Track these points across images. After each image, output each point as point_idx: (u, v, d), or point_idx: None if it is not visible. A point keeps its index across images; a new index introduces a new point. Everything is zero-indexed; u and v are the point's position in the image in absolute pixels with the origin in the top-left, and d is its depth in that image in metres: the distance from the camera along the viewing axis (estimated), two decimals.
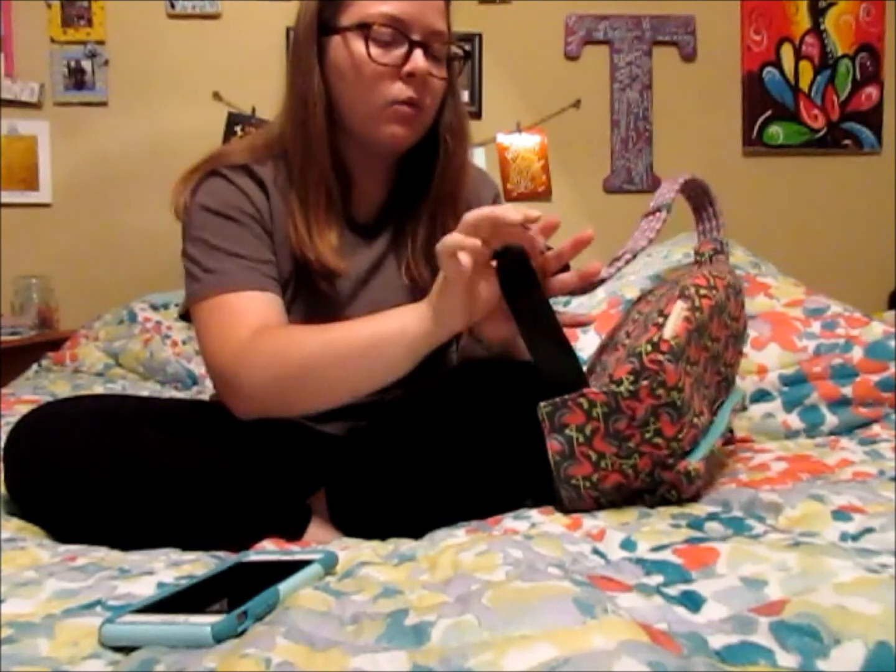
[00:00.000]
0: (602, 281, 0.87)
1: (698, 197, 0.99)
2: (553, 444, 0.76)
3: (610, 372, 0.76)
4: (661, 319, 0.76)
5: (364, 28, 0.93)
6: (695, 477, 0.77)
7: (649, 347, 0.74)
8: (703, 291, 0.80)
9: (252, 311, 0.90)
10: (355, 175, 1.02)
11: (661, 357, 0.73)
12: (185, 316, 0.99)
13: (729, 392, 0.94)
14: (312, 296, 0.99)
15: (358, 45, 0.93)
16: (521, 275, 0.79)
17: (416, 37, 0.94)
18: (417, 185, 1.03)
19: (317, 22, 0.96)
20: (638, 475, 0.77)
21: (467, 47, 1.06)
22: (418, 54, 0.93)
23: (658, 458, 0.76)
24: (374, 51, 0.93)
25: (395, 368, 0.83)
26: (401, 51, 0.94)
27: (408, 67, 0.93)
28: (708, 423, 0.84)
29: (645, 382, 0.73)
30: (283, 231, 0.97)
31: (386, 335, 0.82)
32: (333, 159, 0.97)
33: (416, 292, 0.98)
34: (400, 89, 0.94)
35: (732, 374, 0.95)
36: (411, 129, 0.97)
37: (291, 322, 0.95)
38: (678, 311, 0.76)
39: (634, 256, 0.87)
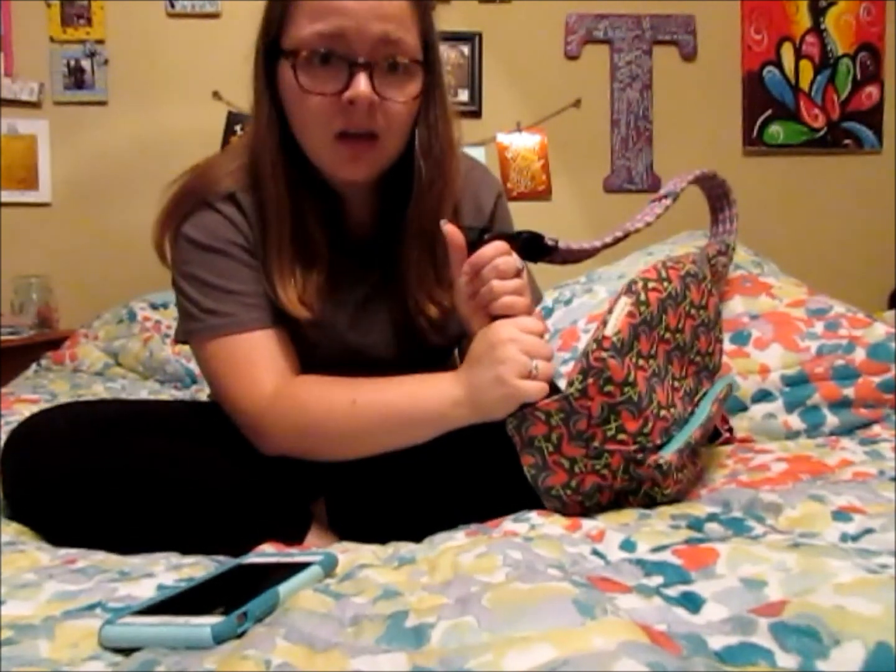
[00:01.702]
0: (588, 252, 0.88)
1: (718, 199, 0.99)
2: (526, 458, 0.77)
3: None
4: (607, 316, 0.77)
5: (292, 56, 0.83)
6: (668, 470, 0.77)
7: (594, 345, 0.75)
8: (651, 284, 0.80)
9: (266, 355, 0.88)
10: (343, 193, 0.94)
11: (604, 354, 0.74)
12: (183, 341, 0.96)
13: (712, 382, 0.94)
14: (308, 326, 0.91)
15: (291, 74, 0.83)
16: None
17: (360, 56, 0.81)
18: (403, 208, 0.92)
19: (263, 43, 0.87)
20: (615, 474, 0.77)
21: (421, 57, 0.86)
22: (360, 79, 0.81)
23: (628, 455, 0.77)
24: (306, 80, 0.82)
25: (422, 439, 0.82)
26: (343, 74, 0.82)
27: (347, 94, 0.81)
28: (685, 414, 0.84)
29: (591, 380, 0.74)
30: None
31: (424, 415, 0.81)
32: (315, 179, 0.90)
33: (414, 319, 0.96)
34: (340, 121, 0.83)
35: (713, 363, 0.94)
36: (364, 164, 0.86)
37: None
38: (621, 306, 0.77)
39: (626, 235, 0.87)
